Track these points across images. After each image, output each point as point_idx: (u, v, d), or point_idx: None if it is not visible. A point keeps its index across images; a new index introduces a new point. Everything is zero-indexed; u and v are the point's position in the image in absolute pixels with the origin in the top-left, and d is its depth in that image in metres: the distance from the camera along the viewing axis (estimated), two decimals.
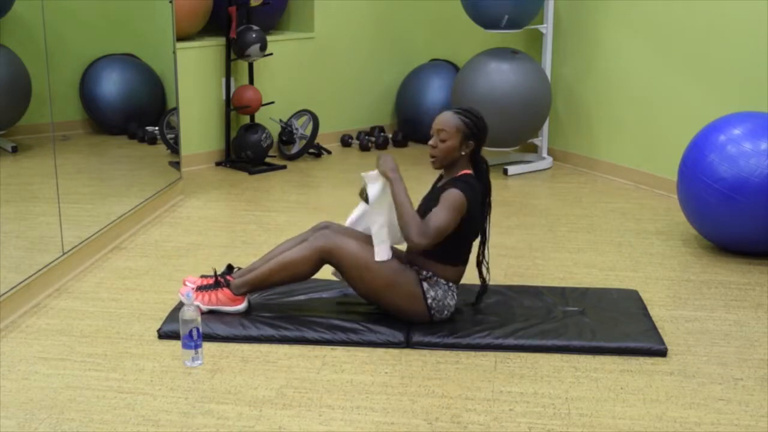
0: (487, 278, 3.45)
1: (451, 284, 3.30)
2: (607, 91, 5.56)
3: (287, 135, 5.99)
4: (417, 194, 3.41)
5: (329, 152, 6.17)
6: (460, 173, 3.25)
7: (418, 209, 3.29)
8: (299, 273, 3.32)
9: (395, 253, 3.31)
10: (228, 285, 3.40)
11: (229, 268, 3.53)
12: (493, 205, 3.76)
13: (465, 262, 3.32)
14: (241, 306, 3.40)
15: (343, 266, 3.26)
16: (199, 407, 2.76)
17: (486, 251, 3.41)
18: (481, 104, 5.42)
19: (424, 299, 3.24)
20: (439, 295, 3.26)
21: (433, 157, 3.26)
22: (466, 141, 3.22)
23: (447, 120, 3.21)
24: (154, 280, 3.84)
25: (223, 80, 5.78)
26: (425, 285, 3.24)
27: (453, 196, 3.13)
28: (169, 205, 4.93)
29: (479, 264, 3.43)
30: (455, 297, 3.31)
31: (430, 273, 3.26)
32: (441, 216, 3.11)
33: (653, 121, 5.28)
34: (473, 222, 3.24)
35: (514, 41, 6.02)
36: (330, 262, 3.28)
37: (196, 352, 3.04)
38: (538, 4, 5.47)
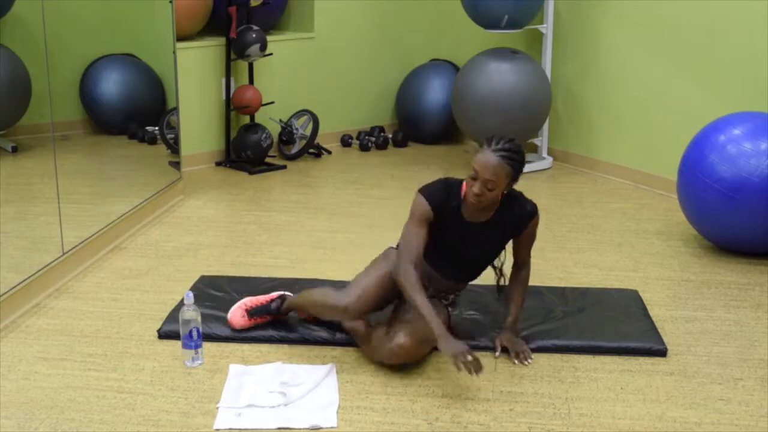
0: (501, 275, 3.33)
1: None
2: (607, 91, 5.55)
3: (287, 135, 5.98)
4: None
5: (329, 152, 6.17)
6: None
7: None
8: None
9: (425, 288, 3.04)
10: (278, 312, 3.28)
11: (281, 299, 3.33)
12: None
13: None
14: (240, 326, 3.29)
15: None
16: (199, 407, 2.76)
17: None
18: (481, 104, 5.43)
19: (449, 318, 3.20)
20: (454, 306, 3.30)
21: (478, 203, 2.97)
22: (511, 183, 3.00)
23: (497, 170, 2.90)
24: (154, 280, 3.84)
25: (223, 80, 5.78)
26: (450, 309, 3.22)
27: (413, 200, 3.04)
28: (169, 205, 4.93)
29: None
30: None
31: (455, 294, 3.24)
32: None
33: (653, 121, 5.28)
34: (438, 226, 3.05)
35: (514, 41, 6.02)
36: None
37: (196, 352, 3.04)
38: (538, 4, 5.47)
